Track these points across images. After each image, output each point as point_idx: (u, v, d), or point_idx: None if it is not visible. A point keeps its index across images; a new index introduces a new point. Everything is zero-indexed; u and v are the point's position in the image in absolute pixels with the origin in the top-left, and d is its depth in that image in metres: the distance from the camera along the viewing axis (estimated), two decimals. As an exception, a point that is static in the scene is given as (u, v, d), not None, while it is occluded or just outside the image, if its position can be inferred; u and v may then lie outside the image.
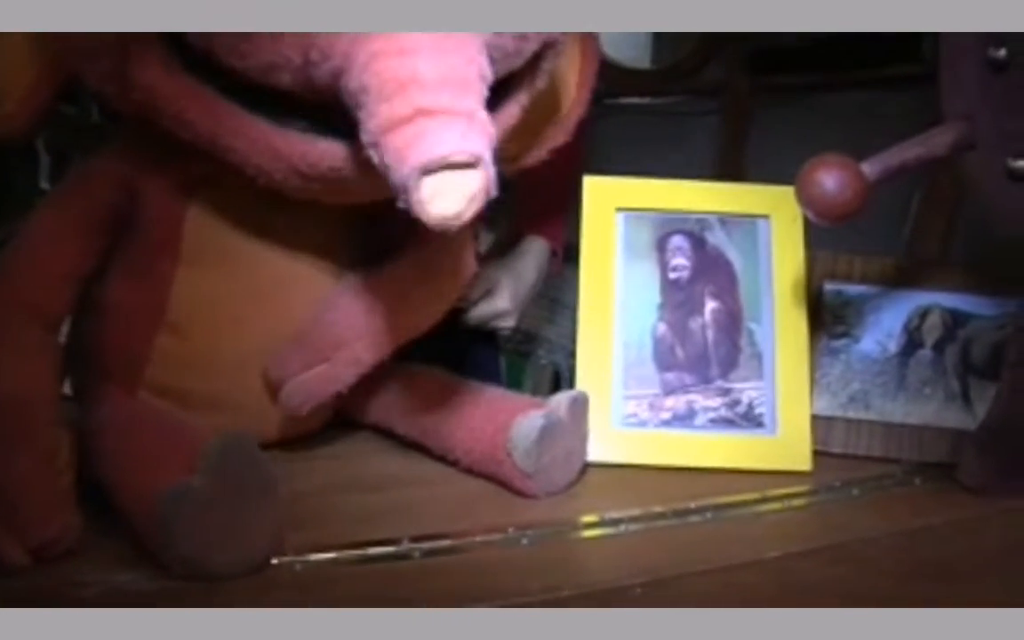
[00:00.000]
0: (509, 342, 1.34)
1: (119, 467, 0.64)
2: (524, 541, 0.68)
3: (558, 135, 0.84)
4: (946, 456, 0.85)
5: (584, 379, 0.82)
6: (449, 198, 0.55)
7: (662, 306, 0.85)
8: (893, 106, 1.33)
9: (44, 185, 1.14)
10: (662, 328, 0.85)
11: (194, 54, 0.62)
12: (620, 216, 0.86)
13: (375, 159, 0.57)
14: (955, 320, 0.89)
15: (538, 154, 0.84)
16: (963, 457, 0.82)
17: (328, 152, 0.63)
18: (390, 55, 0.56)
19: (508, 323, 1.04)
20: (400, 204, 0.56)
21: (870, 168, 0.66)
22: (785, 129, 1.37)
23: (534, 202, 1.06)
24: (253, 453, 0.61)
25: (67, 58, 0.67)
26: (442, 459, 0.80)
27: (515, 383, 1.48)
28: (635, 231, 0.86)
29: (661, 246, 0.86)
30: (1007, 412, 0.80)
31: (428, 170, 0.54)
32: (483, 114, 0.57)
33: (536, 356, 1.61)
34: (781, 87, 1.41)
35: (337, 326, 0.74)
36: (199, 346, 0.74)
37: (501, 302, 1.01)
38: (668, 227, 0.86)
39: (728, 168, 1.50)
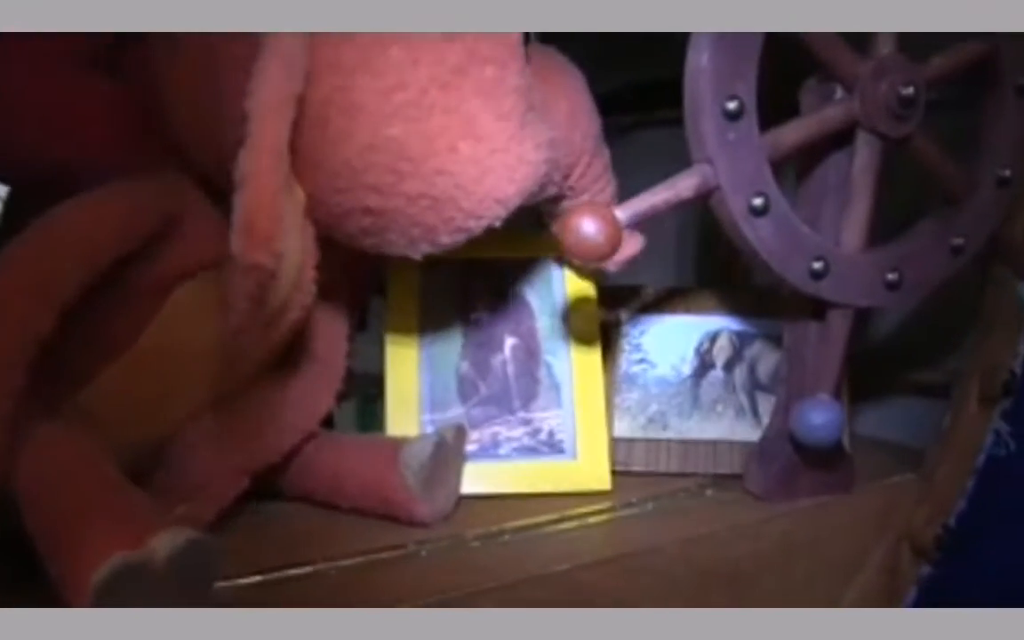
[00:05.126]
0: (357, 387, 1.36)
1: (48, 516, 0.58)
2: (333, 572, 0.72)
3: None
4: (737, 467, 0.93)
5: (394, 420, 0.87)
6: None
7: (464, 346, 0.90)
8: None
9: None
10: (465, 367, 0.90)
11: None
12: (422, 265, 0.90)
13: None
14: (741, 341, 0.97)
15: None
16: (747, 467, 0.90)
17: None
18: None
19: None
20: None
21: (622, 213, 0.73)
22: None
23: None
24: (216, 557, 0.57)
25: None
26: (337, 508, 0.83)
27: (368, 428, 1.50)
28: (436, 279, 0.91)
29: (463, 292, 0.92)
30: (782, 423, 0.88)
31: None
32: None
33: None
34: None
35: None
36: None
37: None
38: (468, 273, 0.92)
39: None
